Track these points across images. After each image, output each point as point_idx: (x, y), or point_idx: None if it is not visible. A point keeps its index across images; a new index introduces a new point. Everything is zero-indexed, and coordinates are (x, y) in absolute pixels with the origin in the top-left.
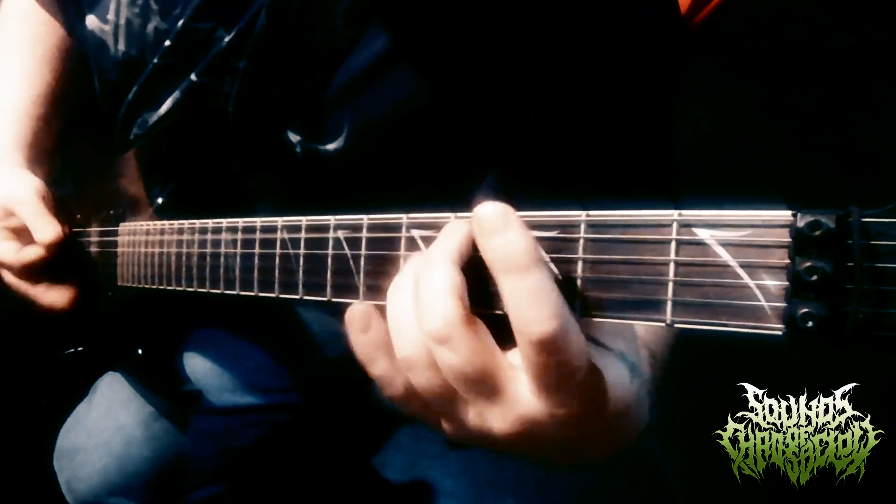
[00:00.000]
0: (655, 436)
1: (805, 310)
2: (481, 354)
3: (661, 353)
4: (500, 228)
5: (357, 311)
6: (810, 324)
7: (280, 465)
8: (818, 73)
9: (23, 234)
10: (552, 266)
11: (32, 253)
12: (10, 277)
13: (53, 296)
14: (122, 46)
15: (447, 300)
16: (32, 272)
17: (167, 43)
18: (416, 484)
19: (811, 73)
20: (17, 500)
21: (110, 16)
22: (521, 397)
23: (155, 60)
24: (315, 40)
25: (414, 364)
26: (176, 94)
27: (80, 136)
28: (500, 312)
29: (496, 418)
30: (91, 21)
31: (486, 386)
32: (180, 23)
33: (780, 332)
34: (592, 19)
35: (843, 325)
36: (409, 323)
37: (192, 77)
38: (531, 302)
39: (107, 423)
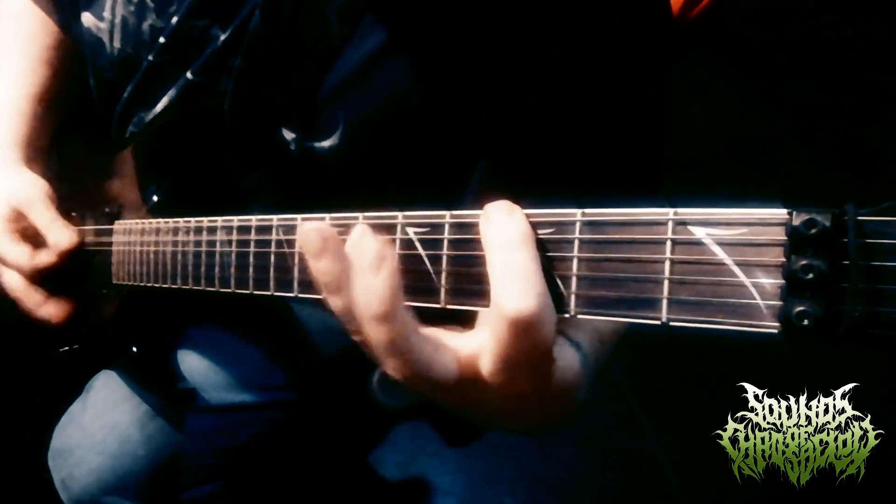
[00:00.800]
0: (655, 435)
1: (801, 308)
2: (427, 362)
3: (609, 337)
4: (505, 213)
5: (310, 231)
6: (806, 322)
7: (276, 462)
8: (815, 69)
9: (30, 237)
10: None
11: (47, 259)
12: (13, 279)
13: (50, 310)
14: (117, 44)
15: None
16: (39, 277)
17: (162, 41)
18: (413, 481)
19: (808, 69)
20: (12, 500)
21: (106, 13)
22: (478, 372)
23: (150, 58)
24: (309, 38)
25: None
26: (171, 93)
27: (76, 134)
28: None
29: (443, 393)
30: (87, 19)
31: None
32: (175, 20)
33: (775, 331)
34: (584, 16)
35: (839, 323)
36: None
37: (188, 75)
38: (516, 278)
39: (102, 421)
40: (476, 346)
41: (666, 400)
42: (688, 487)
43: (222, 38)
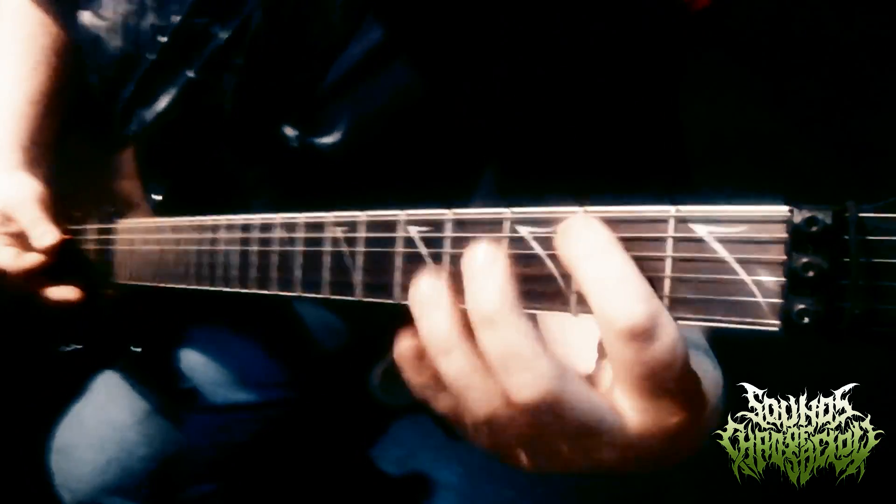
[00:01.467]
0: None
1: (801, 306)
2: (586, 403)
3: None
4: (583, 223)
5: (407, 348)
6: (806, 320)
7: (276, 460)
8: (817, 66)
9: (22, 239)
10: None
11: (31, 259)
12: (9, 280)
13: (56, 294)
14: (118, 42)
15: (540, 361)
16: (32, 276)
17: (163, 39)
18: (413, 476)
19: (810, 66)
20: (13, 499)
21: (106, 12)
22: (623, 414)
23: (151, 56)
24: (311, 35)
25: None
26: (173, 91)
27: (77, 133)
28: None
29: (602, 451)
30: (86, 17)
31: (595, 429)
32: (176, 19)
33: (776, 328)
34: (592, 9)
35: (840, 321)
36: (484, 386)
37: (189, 73)
38: (616, 286)
39: (103, 421)
40: (601, 380)
41: None
42: (689, 482)
43: (223, 35)
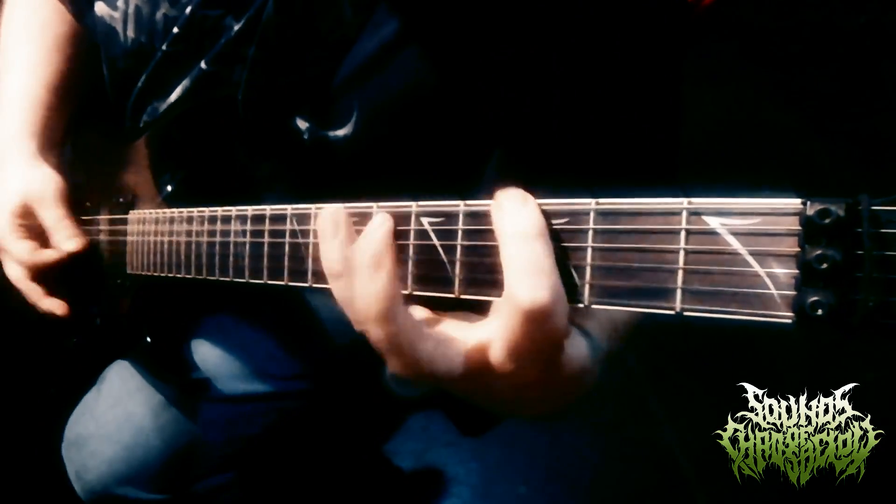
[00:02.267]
0: (669, 425)
1: (814, 298)
2: (425, 352)
3: (624, 326)
4: (518, 202)
5: (326, 216)
6: (820, 312)
7: (290, 452)
8: (828, 58)
9: (38, 234)
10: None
11: (47, 256)
12: (15, 272)
13: (50, 304)
14: (131, 33)
15: (380, 305)
16: (40, 273)
17: (176, 30)
18: (427, 471)
19: (821, 58)
20: (27, 490)
21: (119, 3)
22: (487, 362)
23: (164, 48)
24: (323, 27)
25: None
26: (185, 82)
27: (90, 123)
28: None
29: (451, 380)
30: (100, 8)
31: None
32: (189, 10)
33: (789, 321)
34: (597, 4)
35: (853, 313)
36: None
37: (202, 65)
38: (530, 269)
39: (115, 412)
40: (486, 335)
41: (680, 390)
42: (702, 477)
43: (236, 27)
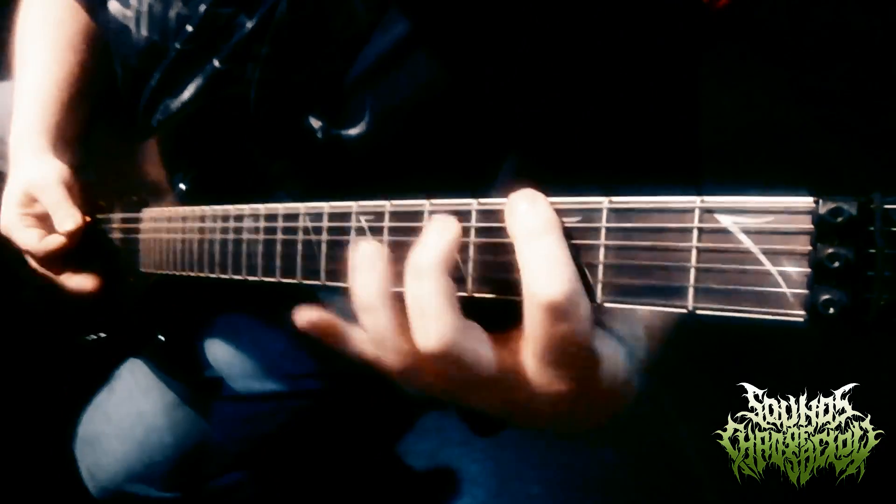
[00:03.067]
0: (684, 425)
1: (827, 297)
2: (487, 357)
3: (659, 331)
4: (529, 201)
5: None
6: (832, 311)
7: (303, 451)
8: (842, 58)
9: (45, 221)
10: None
11: (54, 241)
12: (34, 264)
13: (78, 281)
14: (144, 32)
15: (443, 316)
16: (56, 259)
17: (189, 28)
18: (440, 471)
19: (835, 58)
20: (39, 488)
21: (132, 1)
22: (525, 371)
23: (177, 46)
24: (336, 26)
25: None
26: (198, 81)
27: (103, 122)
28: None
29: (493, 398)
30: (113, 6)
31: (485, 380)
32: (202, 8)
33: (801, 319)
34: (613, 3)
35: (866, 312)
36: (397, 340)
37: (215, 63)
38: (546, 265)
39: (128, 409)
40: (515, 342)
41: (694, 390)
42: (716, 477)
43: (249, 25)
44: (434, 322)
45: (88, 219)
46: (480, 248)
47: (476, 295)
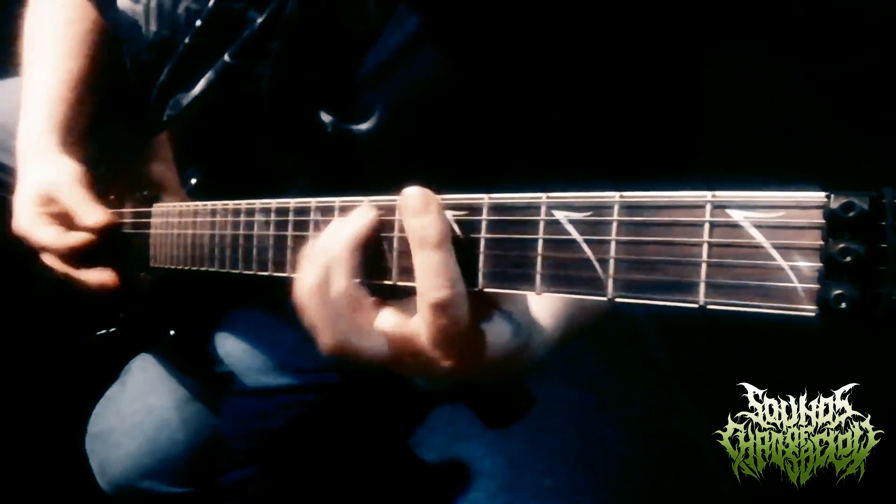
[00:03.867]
0: (695, 417)
1: (838, 291)
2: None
3: (573, 309)
4: (421, 212)
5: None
6: (843, 305)
7: (315, 446)
8: (854, 50)
9: (63, 220)
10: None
11: (77, 237)
12: (52, 260)
13: (97, 276)
14: (153, 27)
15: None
16: (74, 256)
17: (199, 23)
18: (453, 464)
19: (847, 50)
20: (51, 484)
21: None
22: (421, 347)
23: (187, 41)
24: (346, 21)
25: None
26: (209, 76)
27: (114, 117)
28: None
29: (400, 358)
30: (123, 2)
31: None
32: (211, 3)
33: (812, 314)
34: None
35: (876, 307)
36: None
37: (225, 58)
38: (434, 273)
39: (139, 405)
40: (415, 326)
41: (707, 383)
42: (728, 471)
43: (259, 20)
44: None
45: (113, 215)
46: (491, 242)
47: (487, 290)
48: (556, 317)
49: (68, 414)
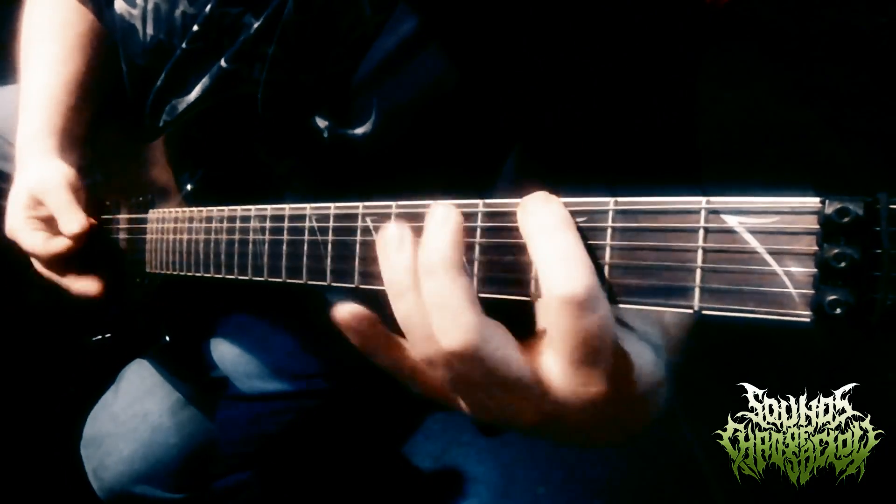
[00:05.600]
0: (689, 425)
1: (833, 297)
2: (505, 359)
3: (677, 332)
4: (543, 200)
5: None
6: (838, 311)
7: (308, 451)
8: (847, 58)
9: (50, 224)
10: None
11: (59, 244)
12: (39, 266)
13: (82, 285)
14: (150, 31)
15: (461, 314)
16: (61, 261)
17: (195, 28)
18: (447, 471)
19: (840, 58)
20: (45, 488)
21: (138, 0)
22: (549, 378)
23: (183, 46)
24: (343, 25)
25: (433, 365)
26: (205, 81)
27: (110, 122)
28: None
29: (523, 408)
30: (119, 5)
31: (514, 385)
32: (208, 7)
33: (807, 320)
34: (617, 1)
35: (871, 312)
36: (421, 338)
37: (222, 63)
38: (562, 260)
39: (134, 410)
40: (535, 347)
41: (701, 391)
42: (722, 478)
43: (255, 25)
44: (453, 319)
45: (94, 221)
46: (486, 248)
47: (482, 295)
48: (658, 335)
49: (63, 419)
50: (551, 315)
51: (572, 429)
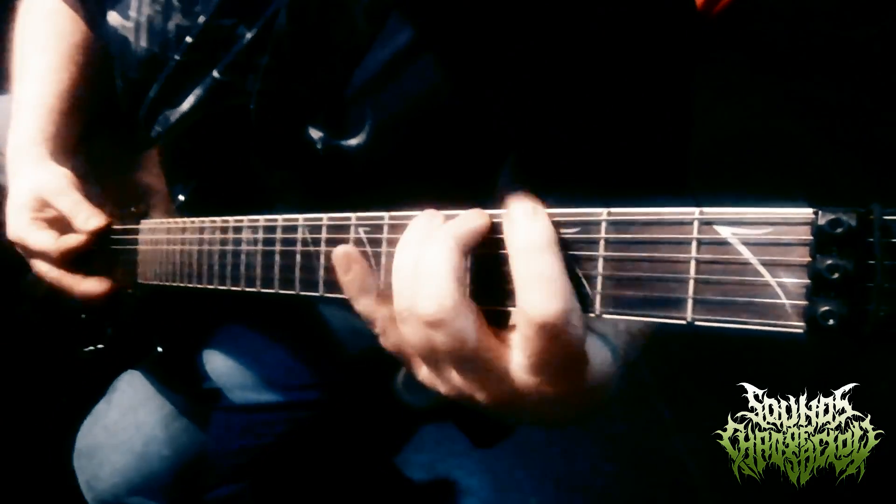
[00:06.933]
0: (680, 436)
1: (826, 308)
2: (472, 339)
3: (639, 333)
4: (529, 215)
5: (340, 254)
6: (831, 322)
7: (301, 463)
8: (839, 69)
9: (57, 225)
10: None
11: (73, 240)
12: (44, 266)
13: (89, 285)
14: (143, 43)
15: (444, 284)
16: (68, 261)
17: (189, 40)
18: (439, 482)
19: (832, 69)
20: (38, 500)
21: (132, 12)
22: (512, 375)
23: (177, 57)
24: (336, 37)
25: (405, 320)
26: (198, 92)
27: (103, 132)
28: (500, 308)
29: (482, 388)
30: (113, 18)
31: (476, 364)
32: (202, 20)
33: (800, 331)
34: (610, 12)
35: (864, 323)
36: (405, 289)
37: (215, 74)
38: (541, 282)
39: (126, 421)
40: (507, 340)
41: (691, 401)
42: (713, 486)
43: (248, 36)
44: (436, 288)
45: (109, 219)
46: (479, 258)
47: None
48: (620, 338)
49: (55, 430)
50: (524, 329)
51: (524, 411)
